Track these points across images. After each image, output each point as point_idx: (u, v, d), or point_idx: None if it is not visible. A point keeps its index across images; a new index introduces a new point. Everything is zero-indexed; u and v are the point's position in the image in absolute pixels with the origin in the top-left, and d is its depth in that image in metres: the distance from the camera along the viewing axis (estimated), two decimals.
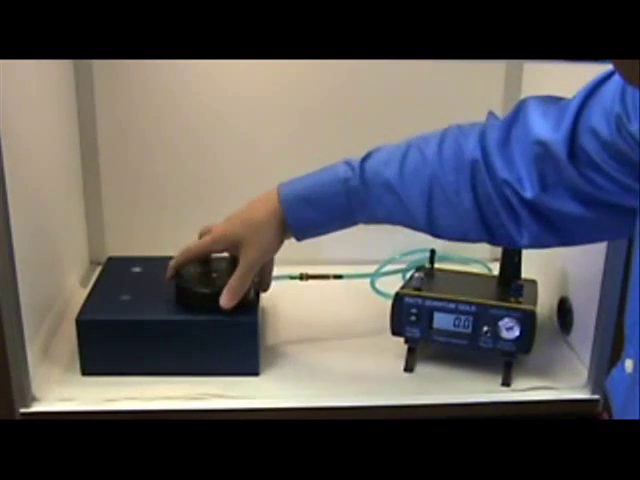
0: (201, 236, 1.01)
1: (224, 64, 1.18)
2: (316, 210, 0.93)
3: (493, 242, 0.91)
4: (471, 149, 0.86)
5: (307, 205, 0.93)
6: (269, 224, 0.94)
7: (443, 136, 0.89)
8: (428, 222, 0.90)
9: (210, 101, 1.24)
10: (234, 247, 0.97)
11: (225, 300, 0.96)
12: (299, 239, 0.96)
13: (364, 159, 0.92)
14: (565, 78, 0.83)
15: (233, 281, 0.96)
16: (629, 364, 0.67)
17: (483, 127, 0.88)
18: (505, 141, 0.84)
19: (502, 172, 0.84)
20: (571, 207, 0.80)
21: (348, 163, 0.92)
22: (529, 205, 0.83)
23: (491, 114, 0.90)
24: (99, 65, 1.20)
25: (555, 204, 0.81)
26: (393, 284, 1.11)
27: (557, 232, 0.84)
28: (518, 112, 0.84)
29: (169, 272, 1.02)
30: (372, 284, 1.20)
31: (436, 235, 0.92)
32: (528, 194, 0.82)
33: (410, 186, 0.89)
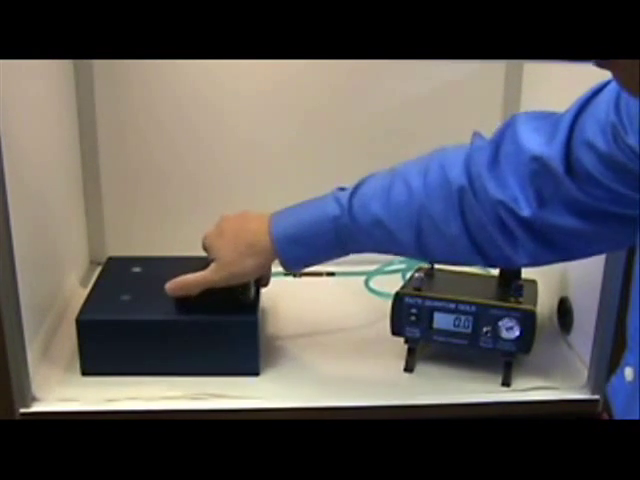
0: (204, 244, 1.01)
1: (224, 63, 1.18)
2: (307, 249, 0.94)
3: (488, 265, 0.91)
4: (457, 176, 0.85)
5: (298, 245, 0.94)
6: (253, 257, 0.95)
7: (427, 164, 0.89)
8: (419, 252, 0.91)
9: (210, 101, 1.24)
10: (212, 257, 0.98)
11: (171, 288, 0.98)
12: (290, 272, 0.99)
13: (352, 194, 0.92)
14: (565, 78, 0.83)
15: (190, 280, 0.97)
16: (629, 372, 0.67)
17: (468, 151, 0.87)
18: (494, 161, 0.83)
19: (495, 193, 0.83)
20: (569, 221, 0.80)
21: (337, 199, 0.92)
22: (526, 224, 0.82)
23: (477, 134, 0.89)
24: (99, 65, 1.20)
25: (553, 219, 0.81)
26: (386, 283, 1.11)
27: (555, 248, 0.84)
28: (505, 130, 0.84)
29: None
30: (366, 283, 1.21)
31: (429, 261, 0.93)
32: (525, 212, 0.81)
33: (398, 219, 0.89)
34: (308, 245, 0.93)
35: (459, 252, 0.88)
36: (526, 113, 0.84)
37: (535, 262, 0.87)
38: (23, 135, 0.96)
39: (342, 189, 0.94)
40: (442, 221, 0.87)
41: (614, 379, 0.70)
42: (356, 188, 0.92)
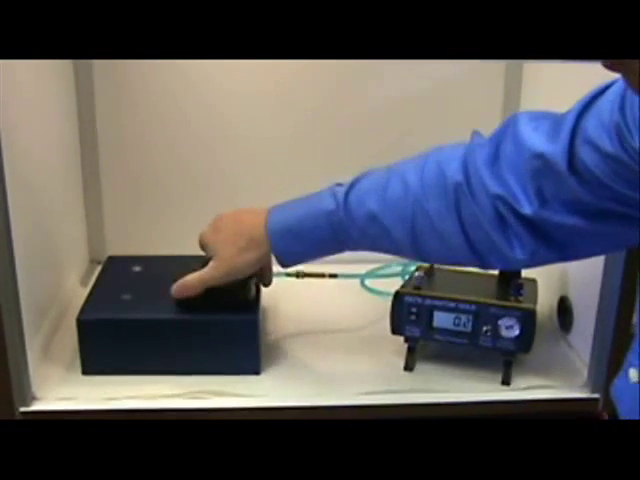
0: (201, 243, 1.01)
1: (224, 63, 1.18)
2: (302, 244, 0.94)
3: (484, 266, 0.90)
4: (453, 172, 0.85)
5: (293, 238, 0.94)
6: (252, 251, 0.95)
7: (425, 161, 0.88)
8: (414, 250, 0.90)
9: (210, 100, 1.24)
10: (210, 255, 0.98)
11: (176, 291, 0.98)
12: (285, 267, 0.97)
13: (348, 190, 0.91)
14: (565, 78, 0.83)
15: (192, 280, 0.97)
16: (634, 373, 0.67)
17: (466, 148, 0.86)
18: (494, 159, 0.83)
19: (495, 188, 0.82)
20: (571, 220, 0.79)
21: (334, 194, 0.92)
22: (526, 221, 0.82)
23: (476, 133, 0.88)
24: (99, 65, 1.20)
25: (555, 218, 0.80)
26: (388, 282, 1.12)
27: (555, 246, 0.83)
28: (506, 128, 0.83)
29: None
30: (362, 282, 1.22)
31: (424, 261, 0.92)
32: (526, 210, 0.81)
33: (393, 215, 0.88)
34: (303, 239, 0.93)
35: (454, 251, 0.87)
36: (527, 112, 0.84)
37: (533, 260, 0.85)
38: (23, 135, 0.96)
39: (339, 185, 0.93)
40: (437, 218, 0.86)
41: (617, 380, 0.70)
42: (353, 184, 0.92)
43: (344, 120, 1.26)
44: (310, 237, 0.93)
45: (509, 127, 0.83)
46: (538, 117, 0.82)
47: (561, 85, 0.84)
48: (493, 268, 0.96)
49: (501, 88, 1.26)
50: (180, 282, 0.98)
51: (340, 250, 0.95)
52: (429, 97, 1.25)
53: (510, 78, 1.26)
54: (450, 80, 1.23)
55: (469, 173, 0.84)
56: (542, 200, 0.80)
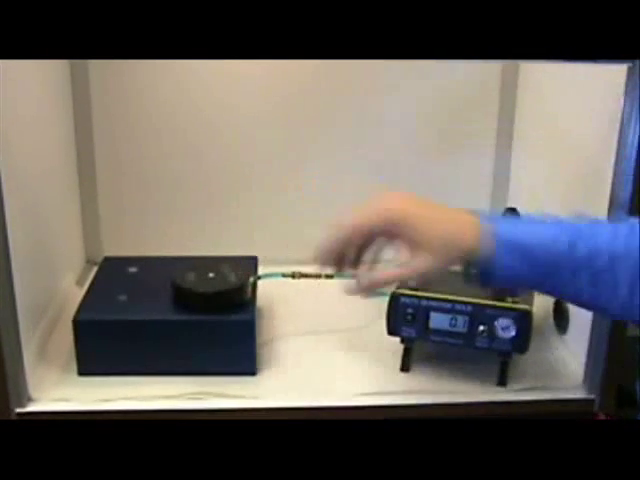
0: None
1: (219, 65, 1.19)
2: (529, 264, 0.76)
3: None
4: None
5: (521, 255, 0.75)
6: (469, 252, 0.76)
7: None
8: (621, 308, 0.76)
9: (205, 101, 1.24)
10: (398, 236, 0.78)
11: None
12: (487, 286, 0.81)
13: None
14: (561, 79, 0.83)
15: (403, 271, 0.80)
16: None
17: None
18: None
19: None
20: None
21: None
22: None
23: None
24: (95, 65, 1.20)
25: None
26: None
27: None
28: None
29: (324, 260, 0.84)
30: None
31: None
32: None
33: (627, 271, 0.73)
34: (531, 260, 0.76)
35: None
36: None
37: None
38: (20, 136, 0.96)
39: None
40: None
41: None
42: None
43: (341, 123, 1.26)
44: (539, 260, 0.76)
45: None
46: None
47: (556, 85, 0.84)
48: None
49: (497, 88, 1.26)
50: (387, 275, 0.82)
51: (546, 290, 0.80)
52: (427, 99, 1.25)
53: (506, 78, 1.25)
54: (448, 82, 1.23)
55: None
56: None
